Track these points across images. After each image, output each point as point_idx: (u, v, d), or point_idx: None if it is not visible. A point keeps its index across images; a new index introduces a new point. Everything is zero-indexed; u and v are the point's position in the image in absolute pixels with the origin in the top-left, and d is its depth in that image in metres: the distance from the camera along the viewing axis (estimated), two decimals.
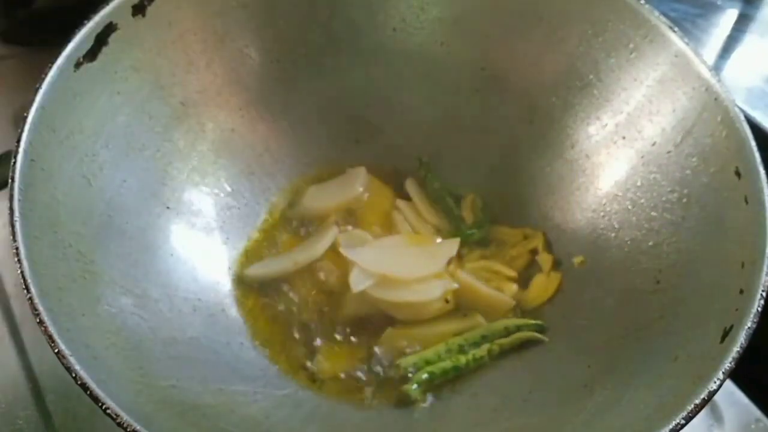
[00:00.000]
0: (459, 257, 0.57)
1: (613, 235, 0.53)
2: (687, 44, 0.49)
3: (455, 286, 0.54)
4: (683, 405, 0.37)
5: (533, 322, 0.53)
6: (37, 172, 0.41)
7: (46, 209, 0.42)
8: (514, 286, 0.56)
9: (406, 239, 0.58)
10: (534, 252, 0.57)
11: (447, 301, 0.54)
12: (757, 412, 0.55)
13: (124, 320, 0.43)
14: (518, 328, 0.52)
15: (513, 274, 0.56)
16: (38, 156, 0.42)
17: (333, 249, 0.56)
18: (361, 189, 0.60)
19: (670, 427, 0.36)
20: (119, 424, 0.35)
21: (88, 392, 0.35)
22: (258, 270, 0.56)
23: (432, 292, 0.53)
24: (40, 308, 0.36)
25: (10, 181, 0.40)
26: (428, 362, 0.51)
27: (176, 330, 0.47)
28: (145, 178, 0.51)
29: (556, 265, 0.56)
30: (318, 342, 0.53)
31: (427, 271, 0.54)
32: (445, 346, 0.52)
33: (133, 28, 0.48)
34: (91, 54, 0.46)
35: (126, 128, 0.49)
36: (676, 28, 0.50)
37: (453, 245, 0.57)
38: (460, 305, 0.55)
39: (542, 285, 0.55)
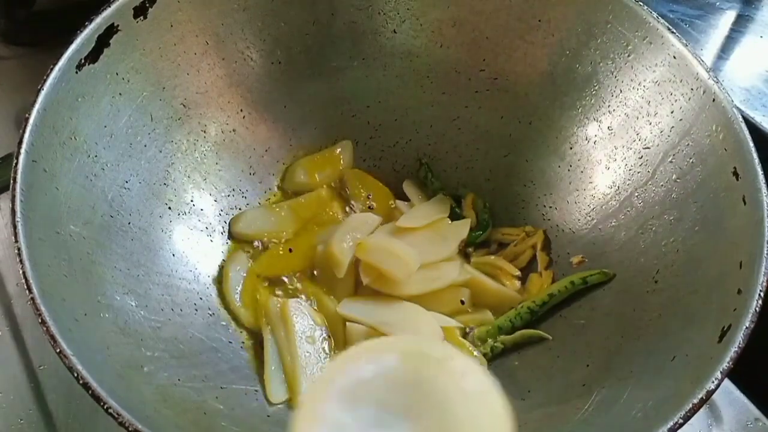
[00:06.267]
0: (465, 256, 0.58)
1: (611, 235, 0.53)
2: (685, 45, 0.50)
3: (470, 272, 0.54)
4: (681, 404, 0.37)
5: (598, 271, 0.52)
6: (38, 173, 0.42)
7: (47, 210, 0.42)
8: (517, 283, 0.56)
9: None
10: (534, 248, 0.57)
11: (462, 303, 0.54)
12: (755, 412, 0.55)
13: (126, 320, 0.44)
14: (584, 281, 0.51)
15: (516, 271, 0.57)
16: (40, 157, 0.42)
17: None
18: (348, 162, 0.61)
19: (669, 426, 0.36)
20: (121, 424, 0.35)
21: (90, 392, 0.35)
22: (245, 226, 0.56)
23: (448, 275, 0.53)
24: (42, 308, 0.37)
25: (11, 182, 0.40)
26: (500, 328, 0.52)
27: (178, 329, 0.47)
28: (147, 178, 0.51)
29: (550, 264, 0.56)
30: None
31: (439, 256, 0.54)
32: (515, 312, 0.53)
33: (135, 29, 0.48)
34: (93, 55, 0.46)
35: (128, 129, 0.49)
36: (674, 30, 0.50)
37: (464, 226, 0.57)
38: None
39: (538, 283, 0.55)
